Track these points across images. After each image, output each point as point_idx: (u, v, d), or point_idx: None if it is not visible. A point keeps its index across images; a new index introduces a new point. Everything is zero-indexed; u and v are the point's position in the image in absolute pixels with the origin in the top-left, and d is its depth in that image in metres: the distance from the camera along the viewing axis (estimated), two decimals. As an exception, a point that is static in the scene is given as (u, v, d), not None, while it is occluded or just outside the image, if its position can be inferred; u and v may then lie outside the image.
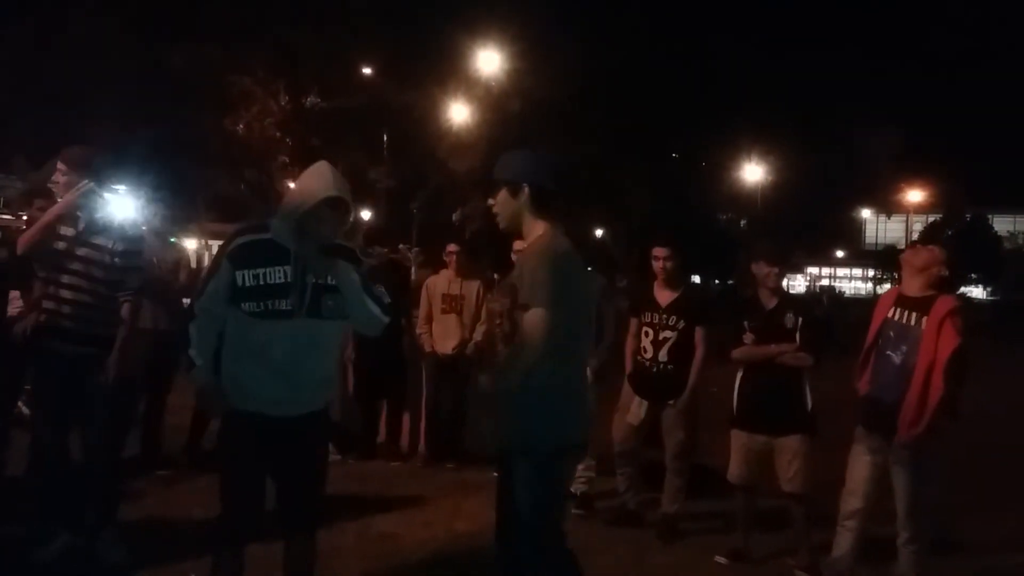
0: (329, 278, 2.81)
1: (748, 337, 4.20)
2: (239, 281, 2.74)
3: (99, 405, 3.88)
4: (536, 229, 2.80)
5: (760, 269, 4.24)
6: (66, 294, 3.76)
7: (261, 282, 2.74)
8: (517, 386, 2.61)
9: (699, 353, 4.59)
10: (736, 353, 4.27)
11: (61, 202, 3.74)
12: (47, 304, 3.81)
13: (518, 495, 2.70)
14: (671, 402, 4.57)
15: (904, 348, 3.58)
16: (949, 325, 3.46)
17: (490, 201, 2.86)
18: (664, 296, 4.68)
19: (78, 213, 3.79)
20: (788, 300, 4.26)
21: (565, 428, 2.72)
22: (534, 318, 2.58)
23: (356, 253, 3.01)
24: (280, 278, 2.75)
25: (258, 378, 2.78)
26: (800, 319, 4.10)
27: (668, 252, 4.65)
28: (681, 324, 4.59)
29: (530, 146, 3.05)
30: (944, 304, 3.52)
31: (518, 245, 5.75)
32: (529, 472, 2.69)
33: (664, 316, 4.62)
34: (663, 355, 4.59)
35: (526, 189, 2.76)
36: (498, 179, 2.81)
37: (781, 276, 4.27)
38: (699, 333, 4.60)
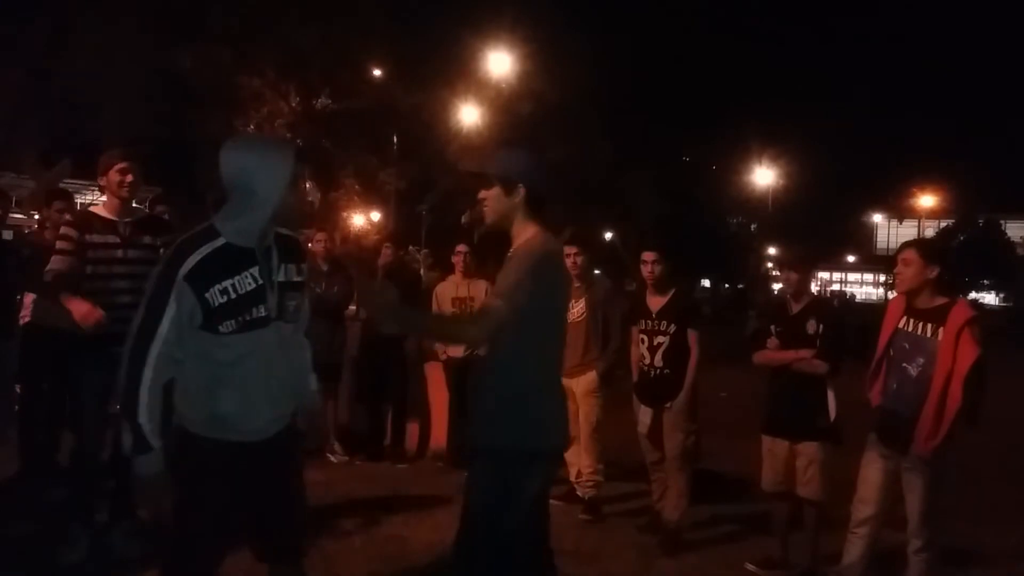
0: (289, 273, 2.53)
1: (772, 342, 4.17)
2: (211, 302, 2.33)
3: None
4: (526, 231, 2.72)
5: (781, 274, 4.23)
6: (120, 299, 3.75)
7: (233, 295, 2.36)
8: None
9: (693, 355, 4.57)
10: (756, 357, 4.25)
11: None
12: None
13: (472, 497, 2.65)
14: (668, 404, 4.56)
15: (921, 360, 3.50)
16: (967, 335, 3.37)
17: (481, 194, 2.73)
18: (655, 302, 4.69)
19: (120, 219, 3.83)
20: (812, 306, 4.18)
21: (533, 433, 2.63)
22: (493, 309, 2.55)
23: (305, 250, 2.76)
24: (251, 283, 2.41)
25: (237, 405, 2.42)
26: (821, 326, 4.04)
27: (656, 256, 4.64)
28: (672, 328, 4.59)
29: (528, 145, 3.01)
30: (961, 314, 3.43)
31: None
32: (486, 473, 2.64)
33: (655, 322, 4.64)
34: (659, 360, 4.60)
35: (522, 190, 2.68)
36: (493, 174, 2.72)
37: (801, 281, 4.20)
38: (692, 336, 4.59)
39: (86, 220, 3.90)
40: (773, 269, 46.93)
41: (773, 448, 4.19)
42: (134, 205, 4.03)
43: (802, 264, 4.26)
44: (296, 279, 2.56)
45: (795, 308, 4.18)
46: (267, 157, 2.43)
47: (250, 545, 2.65)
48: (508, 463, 2.60)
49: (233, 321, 2.37)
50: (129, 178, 3.85)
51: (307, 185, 2.63)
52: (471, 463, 2.74)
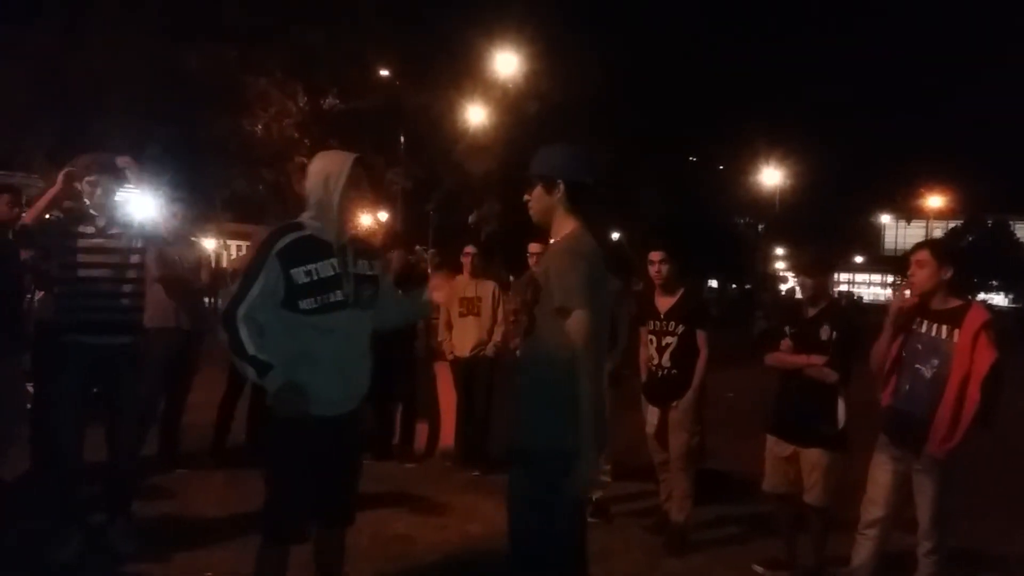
0: (363, 267, 2.93)
1: (785, 344, 4.12)
2: (296, 279, 2.75)
3: (131, 398, 3.97)
4: (565, 226, 2.72)
5: (796, 279, 4.20)
6: (88, 288, 3.83)
7: (315, 277, 2.77)
8: (579, 391, 2.52)
9: (702, 356, 4.58)
10: (768, 358, 4.21)
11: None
12: (65, 303, 3.85)
13: (517, 502, 2.62)
14: (674, 404, 4.57)
15: (936, 362, 3.48)
16: (984, 339, 3.36)
17: (525, 196, 2.78)
18: (663, 302, 4.69)
19: (95, 212, 3.90)
20: (828, 312, 4.10)
21: (575, 434, 2.56)
22: (578, 322, 2.52)
23: (377, 250, 3.11)
24: (331, 271, 2.81)
25: (315, 378, 2.77)
26: (835, 333, 3.97)
27: (663, 255, 4.64)
28: (680, 329, 4.59)
29: (567, 139, 2.92)
30: (977, 317, 3.41)
31: (534, 248, 5.87)
32: (531, 480, 2.60)
33: (664, 323, 4.64)
34: (666, 360, 4.61)
35: (561, 185, 2.70)
36: (534, 174, 2.75)
37: (817, 287, 4.12)
38: (700, 336, 4.60)
39: (72, 210, 4.03)
40: (782, 270, 46.94)
41: (776, 449, 4.16)
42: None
43: (816, 269, 4.18)
44: (369, 273, 2.97)
45: (811, 312, 4.12)
46: (330, 165, 2.88)
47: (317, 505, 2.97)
48: (551, 466, 2.55)
49: (313, 300, 2.77)
50: (97, 191, 3.89)
51: (366, 183, 2.95)
52: (511, 468, 2.70)
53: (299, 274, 2.75)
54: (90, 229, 3.87)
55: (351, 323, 2.85)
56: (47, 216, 4.03)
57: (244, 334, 2.71)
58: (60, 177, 3.91)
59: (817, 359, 3.98)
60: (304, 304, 2.75)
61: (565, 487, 2.55)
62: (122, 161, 4.02)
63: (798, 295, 4.44)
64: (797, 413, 4.06)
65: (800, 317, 4.17)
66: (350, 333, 2.86)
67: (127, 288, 3.94)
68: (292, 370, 2.74)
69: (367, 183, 2.94)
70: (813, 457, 4.00)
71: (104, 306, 3.85)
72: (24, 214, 4.24)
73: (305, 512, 2.91)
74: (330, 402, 2.82)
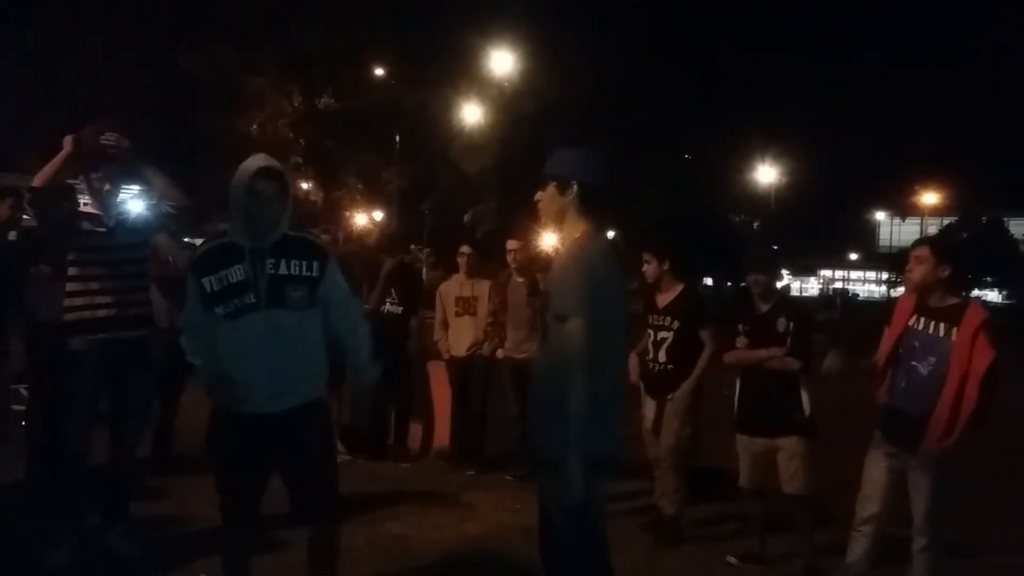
0: (292, 268, 2.90)
1: (741, 341, 4.22)
2: (206, 288, 2.87)
3: (139, 395, 4.00)
4: (576, 229, 2.70)
5: (748, 276, 4.30)
6: (99, 285, 3.81)
7: (225, 283, 2.86)
8: (569, 401, 2.50)
9: (706, 351, 4.62)
10: (727, 356, 4.31)
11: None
12: (76, 301, 3.80)
13: (553, 511, 2.65)
14: (670, 396, 4.61)
15: (932, 359, 3.48)
16: (983, 337, 3.37)
17: (537, 196, 2.77)
18: (661, 298, 4.77)
19: (101, 212, 3.87)
20: (781, 305, 4.25)
21: (598, 442, 2.56)
22: (573, 329, 2.50)
23: (319, 243, 3.07)
24: (240, 275, 2.86)
25: (240, 376, 2.85)
26: (792, 324, 4.09)
27: (650, 255, 4.75)
28: (676, 325, 4.64)
29: (584, 141, 2.91)
30: (976, 315, 3.42)
31: (511, 245, 5.89)
32: (552, 486, 2.62)
33: (661, 317, 4.71)
34: (662, 355, 4.66)
35: (575, 187, 2.68)
36: (548, 174, 2.74)
37: (768, 283, 4.27)
38: (705, 334, 4.65)
39: (80, 213, 3.99)
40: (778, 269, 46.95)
41: (750, 447, 4.21)
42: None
43: (767, 268, 4.32)
44: (305, 273, 2.92)
45: (764, 307, 4.22)
46: (236, 175, 2.91)
47: (292, 507, 3.07)
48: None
49: (224, 305, 2.85)
50: (105, 187, 3.87)
51: (271, 194, 2.88)
52: (538, 477, 2.74)
53: (209, 282, 2.87)
54: (98, 228, 3.85)
55: (271, 323, 2.86)
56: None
57: (184, 339, 2.99)
58: (68, 140, 3.66)
59: (777, 351, 4.07)
60: (218, 310, 2.86)
61: (591, 493, 2.56)
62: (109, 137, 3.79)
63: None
64: (764, 408, 4.13)
65: (753, 313, 4.25)
66: (273, 333, 2.86)
67: (133, 283, 3.93)
68: (223, 368, 2.87)
69: (274, 191, 2.87)
70: (790, 447, 4.07)
71: (111, 303, 3.83)
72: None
73: (241, 503, 2.99)
74: (256, 400, 2.86)
